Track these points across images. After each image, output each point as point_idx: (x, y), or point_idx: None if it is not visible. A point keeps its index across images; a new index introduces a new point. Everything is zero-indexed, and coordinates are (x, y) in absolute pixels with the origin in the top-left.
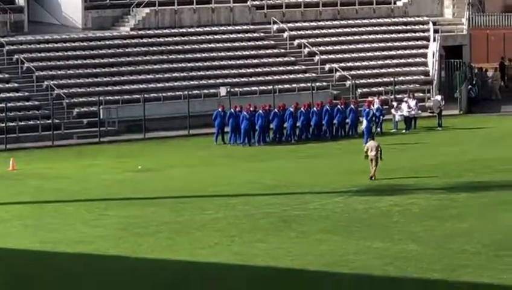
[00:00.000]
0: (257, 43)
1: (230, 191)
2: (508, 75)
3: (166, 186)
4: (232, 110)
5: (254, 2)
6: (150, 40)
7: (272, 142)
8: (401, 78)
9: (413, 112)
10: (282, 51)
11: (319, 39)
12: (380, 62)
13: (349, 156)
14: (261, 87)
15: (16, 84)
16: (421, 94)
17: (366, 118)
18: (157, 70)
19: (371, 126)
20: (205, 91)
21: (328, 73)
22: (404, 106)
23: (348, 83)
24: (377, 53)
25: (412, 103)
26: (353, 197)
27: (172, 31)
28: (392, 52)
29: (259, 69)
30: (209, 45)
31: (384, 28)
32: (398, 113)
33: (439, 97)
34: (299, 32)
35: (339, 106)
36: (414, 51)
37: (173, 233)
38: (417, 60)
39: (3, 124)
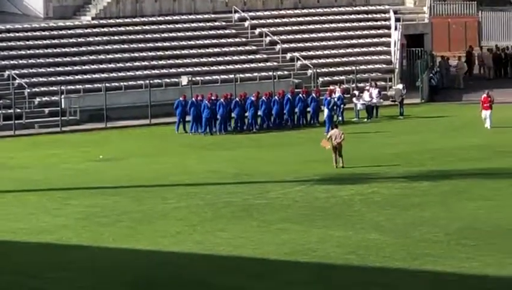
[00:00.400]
0: (218, 32)
1: (191, 180)
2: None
3: (128, 176)
4: (194, 99)
5: None
6: (111, 29)
7: (233, 131)
8: (362, 66)
9: (375, 101)
10: (244, 40)
11: (280, 28)
12: (341, 51)
13: (310, 145)
14: (223, 76)
15: None
16: (382, 83)
17: (327, 106)
18: (119, 60)
19: (332, 115)
20: (167, 80)
21: (289, 62)
22: (366, 94)
23: (309, 71)
24: (339, 42)
25: (374, 91)
26: (315, 186)
27: (134, 20)
28: (354, 41)
29: (220, 58)
30: (171, 34)
31: (345, 16)
32: (360, 102)
33: (400, 86)
34: (260, 21)
35: (300, 95)
36: (376, 40)
37: (135, 222)
38: (379, 48)
39: None
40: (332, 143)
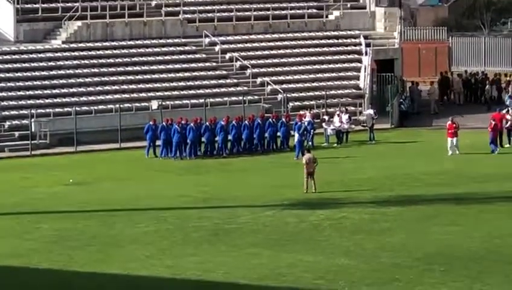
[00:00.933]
0: (189, 56)
1: (161, 205)
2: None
3: (98, 200)
4: (164, 123)
5: (186, 16)
6: (81, 53)
7: (203, 155)
8: (332, 92)
9: (345, 126)
10: (214, 64)
11: (251, 53)
12: (311, 76)
13: (280, 169)
14: (193, 101)
15: None
16: (352, 108)
17: (297, 131)
18: (89, 84)
19: (302, 140)
20: (137, 104)
21: (259, 86)
22: (336, 119)
23: (279, 96)
24: (309, 67)
25: (345, 117)
26: (284, 210)
27: (104, 44)
28: (324, 66)
29: (191, 83)
30: (141, 58)
31: (316, 41)
32: (330, 127)
33: (371, 111)
34: (230, 46)
35: (270, 120)
36: (346, 65)
37: (105, 246)
38: (349, 73)
39: None
40: (308, 167)
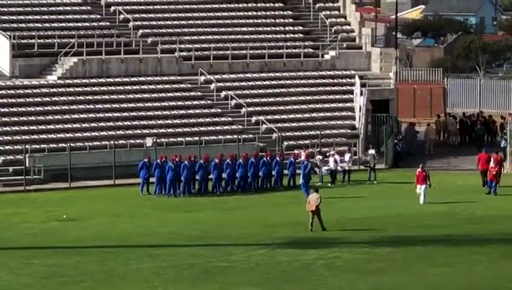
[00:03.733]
0: (184, 94)
1: (154, 242)
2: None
3: (91, 236)
4: (158, 160)
5: (182, 53)
6: (77, 89)
7: (197, 193)
8: (327, 131)
9: (345, 165)
10: (209, 102)
11: (246, 91)
12: (306, 115)
13: (273, 208)
14: (187, 138)
15: None
16: (346, 148)
17: (303, 171)
18: (84, 120)
19: (308, 179)
20: (131, 141)
21: (254, 125)
22: (331, 160)
23: (274, 135)
24: (304, 106)
25: (347, 156)
26: (277, 249)
27: (100, 80)
28: (319, 105)
29: (185, 120)
30: (136, 95)
31: (311, 80)
32: (325, 167)
33: (373, 151)
34: (226, 84)
35: (264, 158)
36: (341, 105)
37: (97, 283)
38: (344, 113)
39: None
40: (310, 207)
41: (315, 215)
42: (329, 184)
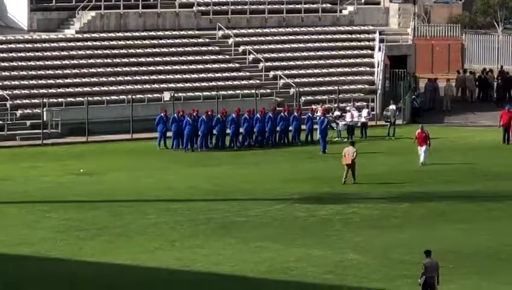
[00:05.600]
0: (202, 48)
1: (172, 196)
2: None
3: (108, 190)
4: (175, 115)
5: (200, 8)
6: (95, 43)
7: (214, 148)
8: (345, 87)
9: (363, 119)
10: (227, 57)
11: (264, 46)
12: (324, 70)
13: (291, 163)
14: (205, 93)
15: None
16: (364, 103)
17: (320, 126)
18: (102, 74)
19: (326, 134)
20: (149, 96)
21: (272, 80)
22: (348, 115)
23: (292, 90)
24: (322, 61)
25: (364, 111)
26: (294, 204)
27: (118, 34)
28: (337, 61)
29: (203, 75)
30: (154, 50)
31: (329, 36)
32: (342, 122)
33: (394, 106)
34: (244, 39)
35: (282, 114)
36: (359, 60)
37: (114, 237)
38: (362, 69)
39: None
40: (345, 160)
41: (349, 169)
42: (345, 139)
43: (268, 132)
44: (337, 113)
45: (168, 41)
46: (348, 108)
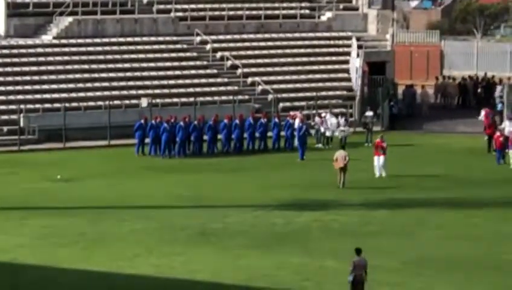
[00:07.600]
0: (180, 54)
1: (149, 203)
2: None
3: (85, 197)
4: (153, 121)
5: (177, 14)
6: (72, 49)
7: (192, 154)
8: (323, 93)
9: (343, 129)
10: (205, 63)
11: (242, 52)
12: (303, 76)
13: (270, 170)
14: (183, 99)
15: None
16: (343, 110)
17: (298, 133)
18: (79, 80)
19: (305, 140)
20: (126, 102)
21: (250, 86)
22: (328, 122)
23: (270, 96)
24: (300, 67)
25: (341, 120)
26: (273, 211)
27: (95, 40)
28: (315, 67)
29: (181, 81)
30: (132, 56)
31: (307, 42)
32: (324, 126)
33: (371, 113)
34: (222, 45)
35: (261, 120)
36: (337, 66)
37: (91, 244)
38: (340, 75)
39: None
40: (337, 164)
41: (342, 172)
42: (322, 145)
43: (248, 137)
44: (318, 119)
45: (146, 47)
46: (323, 114)
